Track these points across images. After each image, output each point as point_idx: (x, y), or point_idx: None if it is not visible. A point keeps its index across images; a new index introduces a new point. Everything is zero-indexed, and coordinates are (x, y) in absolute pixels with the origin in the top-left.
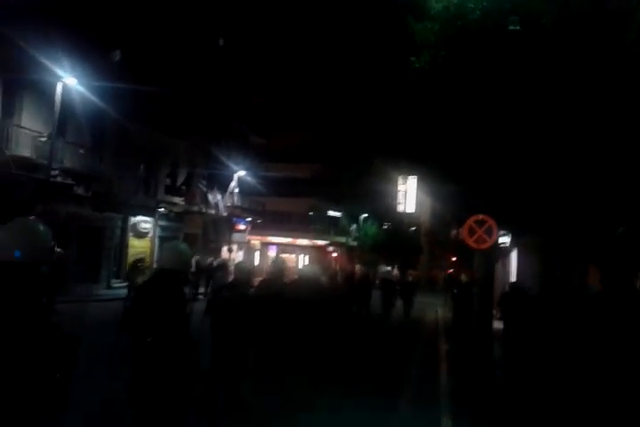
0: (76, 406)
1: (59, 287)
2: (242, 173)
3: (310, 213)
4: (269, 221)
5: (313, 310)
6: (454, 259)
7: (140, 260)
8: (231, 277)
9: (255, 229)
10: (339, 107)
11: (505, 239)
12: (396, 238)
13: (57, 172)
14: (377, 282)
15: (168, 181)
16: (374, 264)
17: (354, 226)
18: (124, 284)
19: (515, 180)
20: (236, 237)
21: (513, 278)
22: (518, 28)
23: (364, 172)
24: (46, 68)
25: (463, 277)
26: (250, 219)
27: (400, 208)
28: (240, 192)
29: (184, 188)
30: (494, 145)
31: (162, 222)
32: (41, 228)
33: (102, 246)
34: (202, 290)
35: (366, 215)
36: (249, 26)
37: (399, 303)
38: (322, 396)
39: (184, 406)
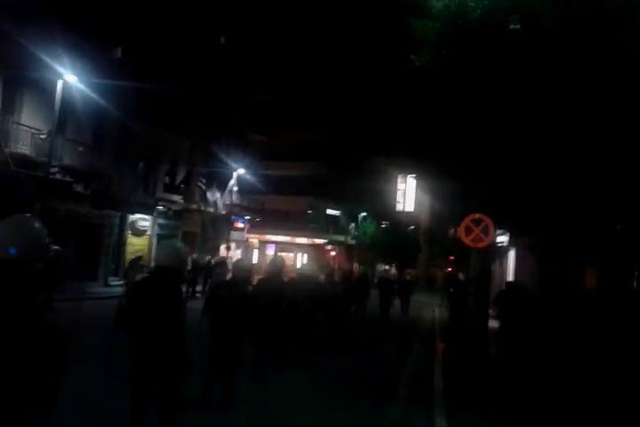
0: (70, 403)
1: (56, 285)
2: (241, 170)
3: (309, 212)
4: (268, 219)
5: (311, 309)
6: (452, 258)
7: (139, 258)
8: (229, 276)
9: (254, 227)
10: (339, 105)
11: (503, 238)
12: (395, 237)
13: (56, 169)
14: (375, 281)
15: (167, 178)
16: (373, 263)
17: (352, 225)
18: (122, 282)
19: (513, 180)
20: (234, 235)
21: (511, 278)
22: (519, 26)
23: (363, 170)
24: (47, 65)
25: (461, 276)
26: (248, 217)
27: (399, 207)
28: (239, 190)
29: (183, 186)
30: (493, 144)
31: (160, 220)
32: (36, 225)
33: (101, 244)
34: (200, 288)
35: (365, 214)
36: (250, 24)
37: (397, 302)
38: (316, 393)
39: (178, 399)
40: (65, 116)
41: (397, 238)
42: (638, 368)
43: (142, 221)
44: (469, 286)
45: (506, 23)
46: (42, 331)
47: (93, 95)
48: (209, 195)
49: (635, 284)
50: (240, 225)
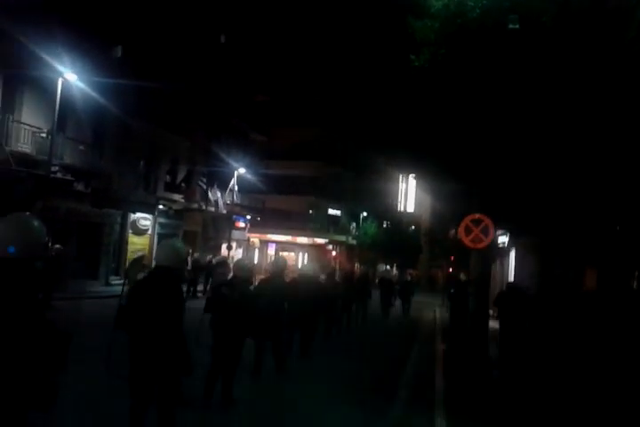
0: (70, 402)
1: (56, 283)
2: (242, 170)
3: (310, 212)
4: (269, 218)
5: (312, 309)
6: (452, 258)
7: (142, 257)
8: (231, 275)
9: (255, 226)
10: (339, 105)
11: (504, 239)
12: (396, 237)
13: (57, 168)
14: (376, 281)
15: (168, 178)
16: (374, 263)
17: (353, 224)
18: (123, 281)
19: (513, 180)
20: (235, 234)
21: (511, 278)
22: (518, 26)
23: (364, 170)
24: (47, 64)
25: (462, 277)
26: (249, 216)
27: (400, 207)
28: (240, 190)
29: (184, 185)
30: (493, 144)
31: (161, 219)
32: (35, 223)
33: (101, 243)
34: (201, 288)
35: (366, 214)
36: (250, 23)
37: (398, 303)
38: (317, 393)
39: (177, 398)
40: (65, 115)
41: (398, 239)
42: (638, 368)
43: (143, 220)
44: (469, 287)
45: (505, 22)
46: (41, 330)
47: (93, 94)
48: (210, 194)
49: (635, 284)
50: (241, 224)
